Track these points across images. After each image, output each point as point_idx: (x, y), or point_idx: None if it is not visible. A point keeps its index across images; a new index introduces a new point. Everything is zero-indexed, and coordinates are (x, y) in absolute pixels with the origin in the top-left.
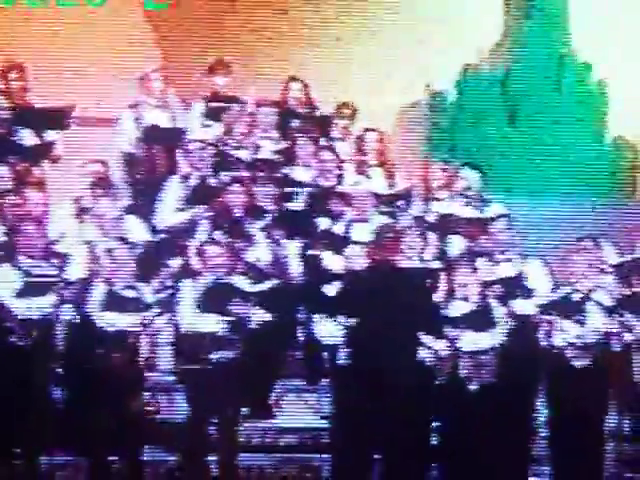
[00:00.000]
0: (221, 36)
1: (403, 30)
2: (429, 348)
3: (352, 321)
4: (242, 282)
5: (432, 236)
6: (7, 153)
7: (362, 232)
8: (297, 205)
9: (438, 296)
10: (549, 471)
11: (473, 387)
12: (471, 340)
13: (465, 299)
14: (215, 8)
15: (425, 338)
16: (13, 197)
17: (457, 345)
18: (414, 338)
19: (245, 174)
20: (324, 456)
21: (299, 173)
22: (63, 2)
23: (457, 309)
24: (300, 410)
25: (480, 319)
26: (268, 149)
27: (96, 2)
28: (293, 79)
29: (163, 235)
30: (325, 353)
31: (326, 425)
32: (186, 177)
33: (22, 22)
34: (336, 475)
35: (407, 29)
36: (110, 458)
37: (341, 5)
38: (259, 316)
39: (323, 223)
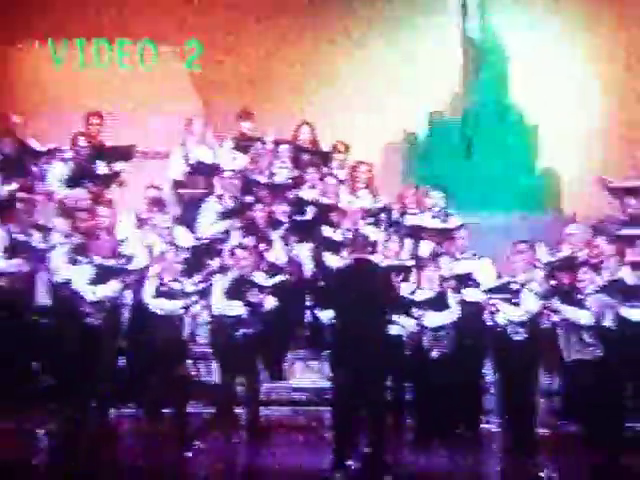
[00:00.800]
0: (246, 92)
1: (387, 89)
2: (402, 325)
3: (341, 305)
4: (260, 277)
5: (407, 241)
6: (85, 180)
7: (352, 240)
8: (306, 217)
9: (409, 285)
10: (497, 420)
11: (434, 355)
12: (432, 318)
13: (429, 288)
14: (239, 72)
15: (398, 318)
16: (86, 213)
17: (422, 322)
18: (389, 319)
19: (266, 195)
20: (326, 408)
21: (307, 194)
22: (124, 65)
23: (422, 295)
24: (306, 373)
25: (439, 303)
26: (284, 176)
27: (149, 65)
28: (304, 123)
29: (203, 241)
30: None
31: (327, 385)
32: (220, 197)
33: (98, 80)
34: (336, 423)
35: (391, 88)
36: (163, 410)
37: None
38: (273, 302)
39: (326, 231)
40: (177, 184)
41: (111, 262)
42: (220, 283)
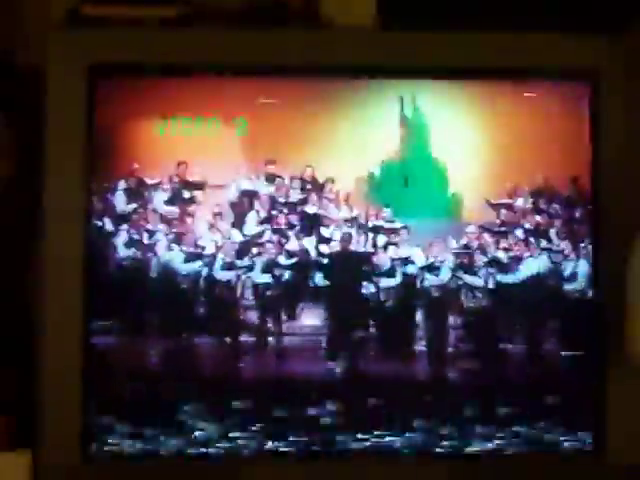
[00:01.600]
0: (272, 149)
1: (352, 144)
2: (367, 288)
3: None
4: (282, 259)
5: (370, 236)
6: (176, 202)
7: (337, 236)
8: (309, 222)
9: (372, 264)
10: (424, 345)
11: (388, 305)
12: (386, 282)
13: (383, 265)
14: (270, 135)
15: (366, 284)
16: (177, 222)
17: (379, 285)
18: (360, 284)
19: (284, 209)
20: (322, 338)
21: (309, 208)
22: (199, 133)
23: (379, 269)
24: (310, 316)
25: (390, 273)
26: (295, 198)
27: (212, 133)
28: (308, 166)
29: (247, 238)
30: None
31: (323, 324)
32: (257, 211)
33: (184, 141)
34: (328, 347)
35: (355, 144)
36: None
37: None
38: (288, 274)
39: (321, 231)
40: (232, 203)
41: (192, 250)
42: (259, 263)
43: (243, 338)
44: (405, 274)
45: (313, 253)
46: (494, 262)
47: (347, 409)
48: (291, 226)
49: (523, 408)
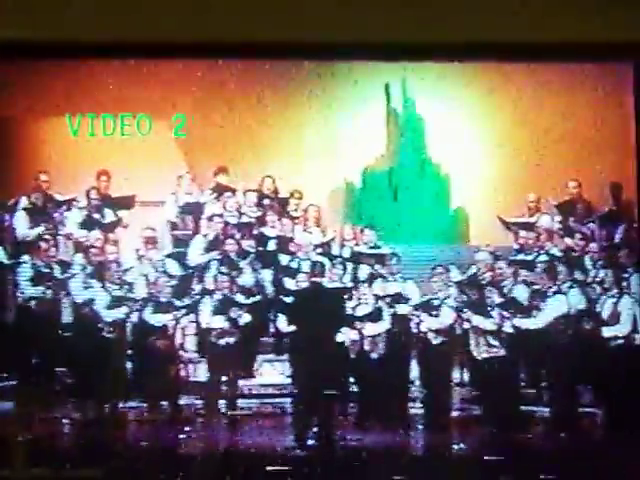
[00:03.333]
0: (221, 153)
1: (329, 149)
2: (346, 335)
3: (299, 319)
4: (239, 297)
5: (349, 266)
6: (96, 225)
7: (305, 266)
8: (268, 249)
9: (351, 303)
10: (421, 407)
11: (373, 356)
12: (370, 328)
13: (367, 304)
14: (217, 135)
15: (344, 329)
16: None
17: (363, 332)
18: (336, 329)
19: (236, 232)
20: (287, 399)
21: (268, 231)
22: (125, 133)
23: (362, 310)
24: (272, 373)
25: (375, 316)
26: (250, 216)
27: (143, 133)
28: (267, 177)
29: (190, 270)
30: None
31: (288, 381)
32: (205, 235)
33: (105, 146)
34: (295, 411)
35: (332, 148)
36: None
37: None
38: (247, 317)
39: (283, 259)
40: (170, 224)
41: (119, 288)
42: (207, 302)
43: (184, 402)
44: (395, 316)
45: (272, 289)
46: (511, 299)
47: None
48: (245, 254)
49: None
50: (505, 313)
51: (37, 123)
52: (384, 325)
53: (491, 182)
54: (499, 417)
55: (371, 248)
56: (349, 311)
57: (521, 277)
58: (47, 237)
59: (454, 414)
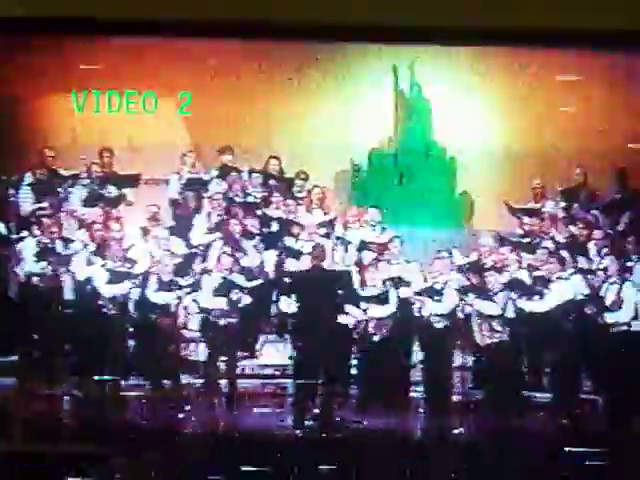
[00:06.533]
0: (228, 129)
1: (337, 130)
2: (352, 315)
3: (302, 301)
4: (240, 279)
5: (353, 249)
6: (100, 201)
7: (308, 248)
8: (272, 230)
9: (356, 284)
10: (422, 389)
11: (376, 338)
12: (375, 310)
13: (373, 286)
14: (223, 115)
15: (349, 308)
16: (101, 226)
17: (367, 313)
18: (339, 309)
19: (240, 212)
20: (289, 380)
21: (272, 211)
22: (130, 111)
23: (367, 292)
24: (273, 353)
25: (381, 298)
26: (255, 197)
27: (150, 111)
28: (272, 157)
29: (193, 249)
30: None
31: (289, 362)
32: (208, 215)
33: (110, 122)
34: (296, 393)
35: (340, 129)
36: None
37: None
38: (249, 299)
39: (287, 241)
40: (173, 203)
41: (120, 266)
42: (208, 282)
43: (185, 381)
44: (399, 300)
45: (276, 270)
46: (515, 284)
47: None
48: (250, 235)
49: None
50: (509, 294)
51: (40, 100)
52: (388, 307)
53: (497, 167)
54: (500, 403)
55: (375, 230)
56: (353, 293)
57: (524, 262)
58: (50, 213)
59: (455, 399)
